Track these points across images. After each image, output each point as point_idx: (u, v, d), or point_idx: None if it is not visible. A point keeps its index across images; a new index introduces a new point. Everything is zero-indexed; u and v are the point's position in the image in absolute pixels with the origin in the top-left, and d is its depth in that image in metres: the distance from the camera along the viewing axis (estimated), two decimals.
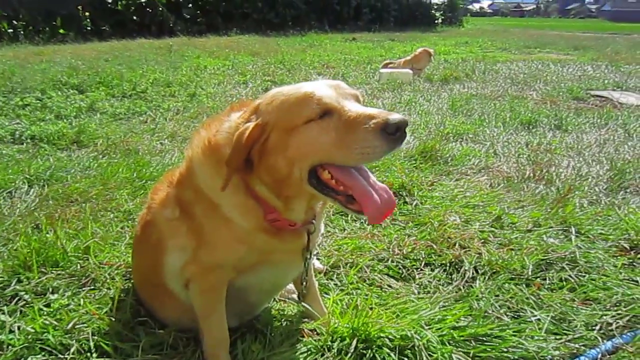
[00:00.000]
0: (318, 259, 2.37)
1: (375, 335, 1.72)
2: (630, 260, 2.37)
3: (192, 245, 1.57)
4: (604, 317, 1.95)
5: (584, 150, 4.20)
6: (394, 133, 1.26)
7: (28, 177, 3.35)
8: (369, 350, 1.69)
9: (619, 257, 2.38)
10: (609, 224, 2.70)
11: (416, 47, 11.07)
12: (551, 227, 2.65)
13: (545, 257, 2.34)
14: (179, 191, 1.62)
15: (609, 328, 1.90)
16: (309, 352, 1.71)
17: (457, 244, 2.47)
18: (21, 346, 1.68)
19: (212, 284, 1.59)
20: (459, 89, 7.23)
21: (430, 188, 3.25)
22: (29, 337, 1.72)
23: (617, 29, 27.00)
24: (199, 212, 1.54)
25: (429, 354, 1.68)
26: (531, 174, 3.53)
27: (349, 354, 1.67)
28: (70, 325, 1.78)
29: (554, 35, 20.95)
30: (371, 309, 1.90)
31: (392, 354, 1.67)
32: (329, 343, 1.73)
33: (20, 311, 1.89)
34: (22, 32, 13.60)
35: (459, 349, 1.72)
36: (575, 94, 6.80)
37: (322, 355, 1.69)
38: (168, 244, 1.63)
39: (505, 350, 1.73)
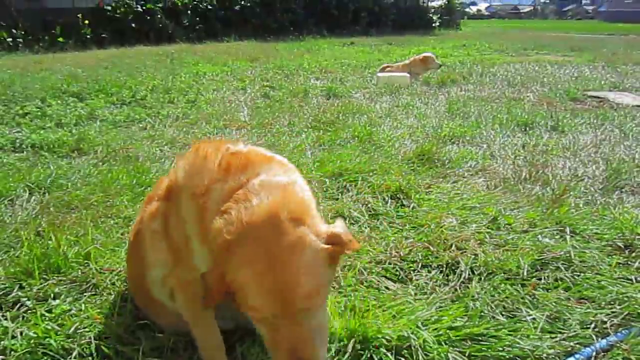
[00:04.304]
0: None
1: (372, 336, 1.75)
2: (625, 259, 2.39)
3: (171, 260, 1.61)
4: (599, 315, 1.97)
5: (580, 150, 4.23)
6: None
7: (29, 185, 3.38)
8: (366, 351, 1.72)
9: (613, 256, 2.40)
10: (604, 224, 2.73)
11: (414, 51, 11.14)
12: (547, 228, 2.68)
13: (541, 257, 2.37)
14: (166, 207, 1.64)
15: (604, 326, 1.93)
16: None
17: (453, 246, 2.50)
18: (24, 351, 1.71)
19: (194, 294, 1.58)
20: (456, 91, 7.27)
21: (427, 191, 3.28)
22: (32, 342, 1.75)
23: (614, 30, 27.05)
24: (176, 235, 1.57)
25: (425, 354, 1.71)
26: (527, 175, 3.56)
27: (347, 355, 1.70)
28: (72, 330, 1.81)
29: (551, 36, 21.01)
30: (368, 310, 1.93)
31: (389, 354, 1.70)
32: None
33: (23, 317, 1.92)
34: (21, 41, 13.66)
35: (455, 348, 1.75)
36: (572, 95, 6.83)
37: None
38: (151, 258, 1.68)
39: (500, 349, 1.76)
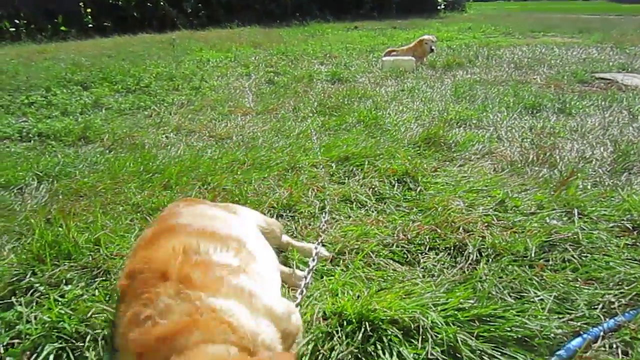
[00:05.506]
0: (324, 245, 2.42)
1: (382, 318, 1.76)
2: (633, 240, 2.39)
3: None
4: (607, 296, 1.98)
5: (587, 133, 4.20)
6: None
7: (37, 173, 3.42)
8: (376, 333, 1.73)
9: (621, 237, 2.40)
10: (612, 205, 2.72)
11: (419, 34, 11.01)
12: (554, 210, 2.67)
13: (549, 239, 2.37)
14: None
15: (612, 306, 1.93)
16: (317, 338, 1.74)
17: (461, 228, 2.50)
18: (38, 335, 1.74)
19: None
20: (462, 75, 7.21)
21: (434, 174, 3.28)
22: (46, 326, 1.78)
23: (623, 10, 26.62)
24: None
25: (434, 335, 1.72)
26: (535, 158, 3.54)
27: (356, 337, 1.71)
28: (86, 315, 1.84)
29: (559, 18, 20.70)
30: (377, 292, 1.95)
31: (398, 335, 1.71)
32: (337, 327, 1.77)
33: (36, 302, 1.95)
34: (24, 31, 13.65)
35: (463, 329, 1.76)
36: (580, 77, 6.75)
37: (331, 339, 1.73)
38: None
39: (508, 329, 1.77)
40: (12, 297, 1.98)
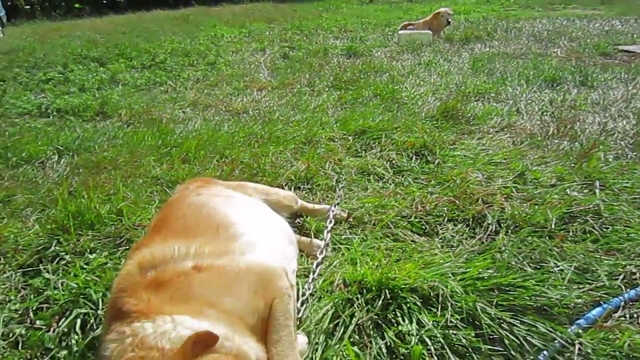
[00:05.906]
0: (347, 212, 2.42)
1: (401, 286, 1.78)
2: None
3: None
4: (628, 266, 1.96)
5: (610, 105, 4.10)
6: None
7: (58, 147, 3.48)
8: (395, 300, 1.75)
9: None
10: (634, 178, 2.67)
11: (435, 7, 10.78)
12: (575, 182, 2.63)
13: (569, 211, 2.34)
14: None
15: (633, 277, 1.92)
16: (338, 305, 1.76)
17: (479, 200, 2.48)
18: (66, 300, 1.80)
19: None
20: (480, 48, 7.06)
21: (452, 147, 3.24)
22: (73, 292, 1.83)
23: None
24: None
25: (453, 303, 1.73)
26: (555, 131, 3.48)
27: (376, 304, 1.73)
28: (111, 283, 1.88)
29: None
30: (396, 261, 1.95)
31: (418, 303, 1.72)
32: (357, 295, 1.79)
33: (63, 269, 2.01)
34: (38, 9, 13.71)
35: (483, 298, 1.76)
36: (602, 49, 6.56)
37: (351, 306, 1.76)
38: None
39: (528, 298, 1.77)
40: (39, 265, 2.04)
